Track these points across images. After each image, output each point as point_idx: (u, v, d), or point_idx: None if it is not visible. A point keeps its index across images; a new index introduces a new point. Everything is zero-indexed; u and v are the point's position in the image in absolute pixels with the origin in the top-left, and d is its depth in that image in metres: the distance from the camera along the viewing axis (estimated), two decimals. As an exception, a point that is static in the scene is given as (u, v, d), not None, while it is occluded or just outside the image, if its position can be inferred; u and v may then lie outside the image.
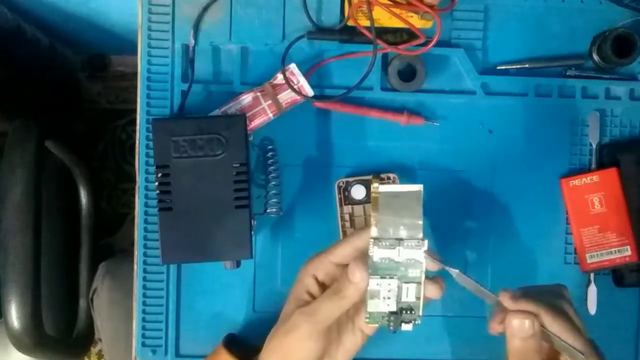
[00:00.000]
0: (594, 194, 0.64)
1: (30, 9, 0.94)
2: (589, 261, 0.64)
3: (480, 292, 0.53)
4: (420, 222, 0.51)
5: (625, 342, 0.66)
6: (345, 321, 0.56)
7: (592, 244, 0.64)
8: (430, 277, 0.53)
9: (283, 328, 0.54)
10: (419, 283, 0.51)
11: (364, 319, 0.52)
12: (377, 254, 0.51)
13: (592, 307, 0.66)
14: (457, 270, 0.53)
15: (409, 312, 0.52)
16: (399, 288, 0.51)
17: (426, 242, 0.51)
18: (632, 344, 0.66)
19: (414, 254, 0.51)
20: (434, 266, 0.53)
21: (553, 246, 0.66)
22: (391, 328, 0.52)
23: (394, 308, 0.51)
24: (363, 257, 0.52)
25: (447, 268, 0.52)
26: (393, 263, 0.51)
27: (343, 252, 0.55)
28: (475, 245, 0.66)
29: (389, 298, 0.51)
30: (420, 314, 0.52)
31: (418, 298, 0.51)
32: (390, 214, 0.51)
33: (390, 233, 0.51)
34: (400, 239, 0.51)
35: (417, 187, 0.51)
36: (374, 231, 0.51)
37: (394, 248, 0.51)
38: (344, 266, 0.52)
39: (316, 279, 0.56)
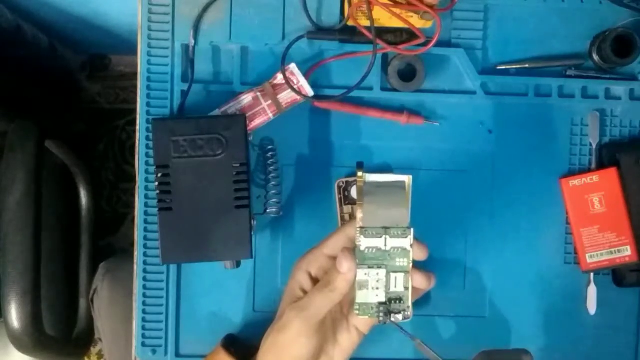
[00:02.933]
0: (594, 194, 0.64)
1: (30, 9, 0.94)
2: (589, 261, 0.64)
3: None
4: (407, 211, 0.51)
5: (625, 342, 0.66)
6: (340, 319, 0.56)
7: (592, 244, 0.64)
8: (419, 268, 0.53)
9: (277, 326, 0.54)
10: (406, 272, 0.52)
11: (354, 311, 0.52)
12: (364, 243, 0.51)
13: (592, 307, 0.66)
14: (418, 340, 0.53)
15: (397, 302, 0.52)
16: (387, 278, 0.51)
17: (412, 230, 0.51)
18: (632, 344, 0.66)
19: (401, 243, 0.51)
20: (422, 255, 0.53)
21: (553, 246, 0.66)
22: (381, 319, 0.52)
23: (383, 298, 0.52)
24: (352, 248, 0.52)
25: (408, 336, 0.53)
26: (380, 252, 0.51)
27: (335, 243, 0.55)
28: (475, 246, 0.66)
29: (377, 288, 0.52)
30: (410, 304, 0.52)
31: (406, 288, 0.52)
32: (376, 203, 0.51)
33: (376, 222, 0.51)
34: (387, 228, 0.51)
35: (404, 178, 0.51)
36: (360, 220, 0.51)
37: (381, 237, 0.51)
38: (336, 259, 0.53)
39: (310, 275, 0.56)
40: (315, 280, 0.56)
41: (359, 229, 0.51)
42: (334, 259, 0.54)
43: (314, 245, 0.57)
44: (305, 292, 0.55)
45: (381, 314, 0.52)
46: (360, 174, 0.51)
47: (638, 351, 0.66)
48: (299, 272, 0.56)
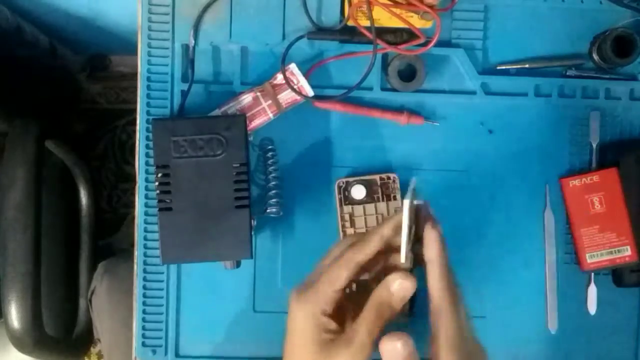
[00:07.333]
0: (594, 194, 0.64)
1: (30, 9, 0.94)
2: (589, 261, 0.64)
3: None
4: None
5: (625, 342, 0.66)
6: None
7: (592, 244, 0.64)
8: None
9: None
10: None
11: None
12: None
13: (592, 307, 0.66)
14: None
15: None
16: None
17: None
18: (632, 344, 0.66)
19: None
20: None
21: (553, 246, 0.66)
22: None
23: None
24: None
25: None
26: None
27: (340, 273, 0.49)
28: (474, 245, 0.66)
29: None
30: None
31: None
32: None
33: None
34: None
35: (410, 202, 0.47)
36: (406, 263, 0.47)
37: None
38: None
39: (326, 314, 0.49)
40: (334, 315, 0.49)
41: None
42: (338, 291, 0.49)
43: (313, 284, 0.49)
44: (331, 332, 0.49)
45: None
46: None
47: (638, 351, 0.66)
48: (317, 316, 0.49)
